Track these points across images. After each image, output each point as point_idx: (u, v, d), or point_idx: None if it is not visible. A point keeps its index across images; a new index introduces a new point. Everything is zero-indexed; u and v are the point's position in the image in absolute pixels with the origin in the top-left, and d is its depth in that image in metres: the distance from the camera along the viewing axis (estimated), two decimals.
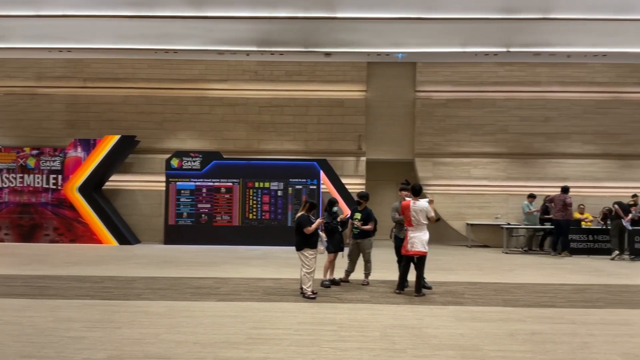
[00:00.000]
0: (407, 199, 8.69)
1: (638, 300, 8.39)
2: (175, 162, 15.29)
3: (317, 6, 12.16)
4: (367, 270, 9.47)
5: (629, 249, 13.48)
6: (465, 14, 12.23)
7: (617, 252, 13.31)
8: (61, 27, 13.35)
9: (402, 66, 16.26)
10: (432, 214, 8.47)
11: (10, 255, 12.41)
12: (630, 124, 16.17)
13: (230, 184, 15.29)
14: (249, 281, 9.39)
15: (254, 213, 15.24)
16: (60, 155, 15.25)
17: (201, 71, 16.41)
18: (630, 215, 13.41)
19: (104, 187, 15.80)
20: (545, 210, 14.72)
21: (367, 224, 9.30)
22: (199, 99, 16.41)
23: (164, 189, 15.41)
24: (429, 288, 8.84)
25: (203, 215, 15.22)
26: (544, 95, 16.28)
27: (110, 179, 15.83)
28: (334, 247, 9.07)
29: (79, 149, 15.22)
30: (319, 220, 8.27)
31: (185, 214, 15.22)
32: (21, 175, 15.27)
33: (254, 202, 15.25)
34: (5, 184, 15.25)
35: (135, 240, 15.46)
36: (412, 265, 8.60)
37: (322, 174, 15.19)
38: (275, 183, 15.28)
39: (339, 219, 9.28)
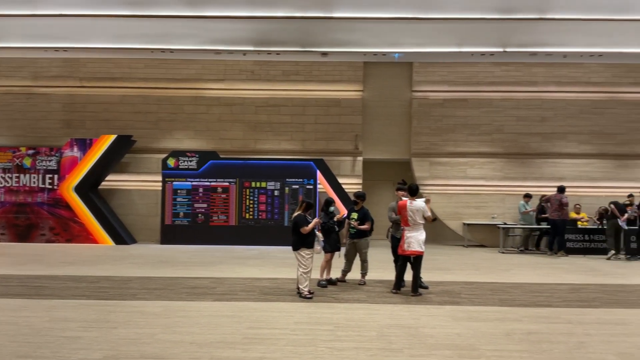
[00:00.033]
0: (404, 198, 8.70)
1: (634, 299, 8.42)
2: (171, 162, 15.27)
3: (314, 6, 12.16)
4: (364, 270, 9.47)
5: (624, 248, 13.52)
6: (462, 14, 12.24)
7: (613, 251, 13.35)
8: (57, 27, 13.31)
9: (398, 66, 16.28)
10: (429, 213, 8.48)
11: (6, 255, 12.37)
12: (626, 124, 16.22)
13: (227, 183, 15.27)
14: (245, 281, 9.38)
15: (251, 213, 15.23)
16: (57, 154, 15.21)
17: (198, 71, 16.38)
18: (626, 215, 13.44)
19: (100, 187, 15.75)
20: (541, 209, 14.77)
21: (363, 224, 9.30)
22: (196, 98, 16.39)
23: (160, 188, 15.38)
24: (426, 288, 8.85)
25: (199, 215, 15.20)
26: (540, 95, 16.31)
27: (106, 178, 15.78)
28: (331, 247, 9.07)
29: (75, 149, 15.18)
30: (315, 220, 8.26)
31: (181, 213, 15.20)
32: (17, 175, 15.22)
33: (251, 202, 15.24)
34: (1, 183, 15.19)
35: (132, 240, 15.42)
36: (408, 265, 8.61)
37: (318, 173, 15.19)
38: (272, 183, 15.27)
39: (335, 219, 9.28)
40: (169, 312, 7.04)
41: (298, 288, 8.19)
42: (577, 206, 15.28)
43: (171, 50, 14.93)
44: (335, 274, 9.46)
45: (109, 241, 14.94)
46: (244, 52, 14.97)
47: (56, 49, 15.02)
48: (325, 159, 15.52)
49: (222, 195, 15.24)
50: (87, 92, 16.37)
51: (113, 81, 16.35)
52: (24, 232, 15.10)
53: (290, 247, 8.31)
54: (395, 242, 8.94)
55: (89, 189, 15.13)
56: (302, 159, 15.56)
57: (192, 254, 12.90)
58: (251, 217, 15.21)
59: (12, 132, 16.30)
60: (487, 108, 16.35)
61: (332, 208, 9.27)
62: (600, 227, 14.46)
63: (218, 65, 16.34)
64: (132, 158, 16.08)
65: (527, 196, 15.28)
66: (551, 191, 14.46)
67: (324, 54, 14.93)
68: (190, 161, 15.27)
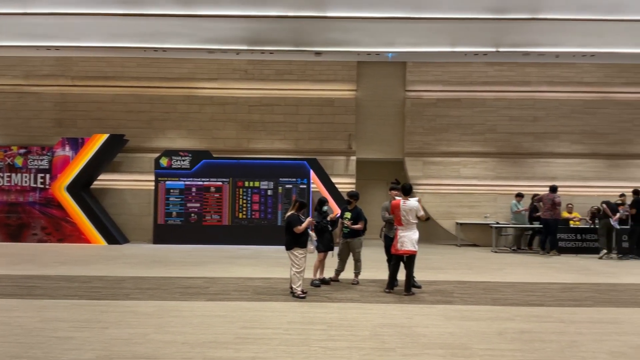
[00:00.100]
0: (397, 198, 8.71)
1: (626, 298, 8.46)
2: (164, 161, 15.21)
3: (307, 5, 12.13)
4: (357, 270, 9.47)
5: (616, 248, 13.62)
6: (455, 13, 12.25)
7: (605, 251, 13.42)
8: (49, 25, 13.19)
9: (392, 66, 16.30)
10: (422, 213, 8.50)
11: None
12: (618, 123, 16.31)
13: (220, 183, 15.24)
14: (238, 281, 9.36)
15: (244, 212, 15.20)
16: (48, 154, 15.12)
17: (191, 70, 16.34)
18: (618, 215, 13.52)
19: (92, 187, 15.67)
20: (534, 209, 14.83)
21: (357, 223, 9.31)
22: (189, 97, 16.34)
23: (153, 188, 15.32)
24: (419, 287, 8.87)
25: (192, 215, 15.15)
26: (533, 95, 16.38)
27: (98, 178, 15.70)
28: (324, 247, 9.07)
29: (67, 148, 15.10)
30: (308, 220, 8.26)
31: (174, 213, 15.15)
32: (9, 174, 15.12)
33: (244, 201, 15.21)
34: None
35: (124, 240, 15.36)
36: (401, 265, 8.62)
37: (312, 173, 15.18)
38: (265, 182, 15.25)
39: (328, 218, 9.29)
40: (161, 312, 7.01)
41: (291, 288, 8.18)
42: (570, 206, 15.35)
43: (164, 49, 14.86)
44: (329, 273, 9.46)
45: (101, 241, 14.87)
46: (237, 52, 14.91)
47: (48, 48, 14.90)
48: (318, 158, 15.51)
49: (215, 195, 15.20)
50: (79, 91, 16.29)
51: (105, 80, 16.27)
52: (15, 232, 15.00)
53: (283, 247, 8.29)
54: (389, 241, 8.95)
55: (81, 188, 15.05)
56: (296, 159, 15.55)
57: (185, 254, 12.86)
58: (244, 216, 15.18)
59: (3, 131, 16.20)
60: (480, 108, 16.40)
61: (325, 207, 9.27)
62: (592, 226, 14.54)
63: (211, 64, 16.30)
64: (125, 157, 16.01)
65: (519, 195, 15.34)
66: (543, 191, 14.52)
67: (318, 53, 14.91)
68: (183, 160, 15.22)
